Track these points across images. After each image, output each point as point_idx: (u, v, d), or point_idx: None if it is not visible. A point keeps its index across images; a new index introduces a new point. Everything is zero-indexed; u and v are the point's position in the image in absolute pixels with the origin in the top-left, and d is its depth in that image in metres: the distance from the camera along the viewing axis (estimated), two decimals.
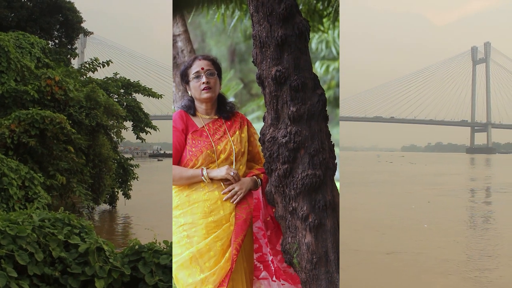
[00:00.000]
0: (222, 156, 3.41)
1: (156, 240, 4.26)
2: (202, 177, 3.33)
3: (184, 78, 3.53)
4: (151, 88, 18.41)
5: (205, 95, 3.45)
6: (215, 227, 3.31)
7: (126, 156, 19.87)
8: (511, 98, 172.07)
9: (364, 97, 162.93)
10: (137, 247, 4.10)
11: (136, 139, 18.15)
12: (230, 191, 3.36)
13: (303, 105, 3.20)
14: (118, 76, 18.02)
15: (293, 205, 3.22)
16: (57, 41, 26.98)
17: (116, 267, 3.88)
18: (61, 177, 10.46)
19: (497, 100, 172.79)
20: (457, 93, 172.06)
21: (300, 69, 3.22)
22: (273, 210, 3.40)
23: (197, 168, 3.37)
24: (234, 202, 3.36)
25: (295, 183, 3.20)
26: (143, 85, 18.21)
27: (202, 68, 3.46)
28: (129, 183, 17.38)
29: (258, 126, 3.53)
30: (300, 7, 4.67)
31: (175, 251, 3.35)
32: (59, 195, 11.49)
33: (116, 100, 16.53)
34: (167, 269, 3.94)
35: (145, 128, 17.71)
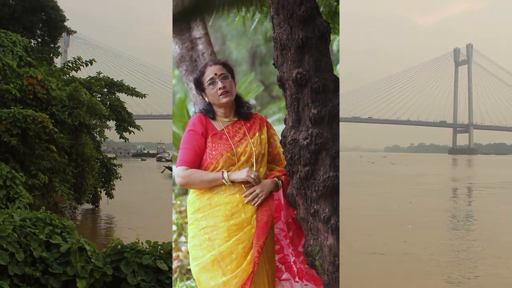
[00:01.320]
0: (243, 159, 3.40)
1: (138, 240, 4.25)
2: (223, 180, 3.32)
3: (199, 87, 3.51)
4: (134, 88, 18.34)
5: (223, 99, 3.43)
6: (236, 229, 3.31)
7: (109, 155, 19.75)
8: (492, 99, 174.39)
9: (347, 98, 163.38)
10: (119, 247, 4.09)
11: (120, 138, 18.07)
12: (251, 193, 3.35)
13: (324, 107, 3.20)
14: (101, 75, 17.87)
15: (315, 207, 3.22)
16: (39, 39, 26.68)
17: (98, 267, 3.87)
18: (43, 176, 10.38)
19: (479, 101, 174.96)
20: (439, 94, 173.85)
21: (321, 71, 3.21)
22: (295, 212, 3.40)
23: (217, 171, 3.36)
24: (256, 205, 3.35)
25: (316, 185, 3.21)
26: (126, 84, 18.10)
27: (216, 74, 3.44)
28: (112, 182, 17.29)
29: (279, 128, 3.51)
30: (321, 9, 4.66)
31: (196, 254, 3.35)
32: (41, 195, 11.40)
33: (99, 99, 16.42)
34: (150, 269, 3.93)
35: (129, 127, 17.61)
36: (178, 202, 5.04)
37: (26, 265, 3.78)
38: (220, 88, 3.41)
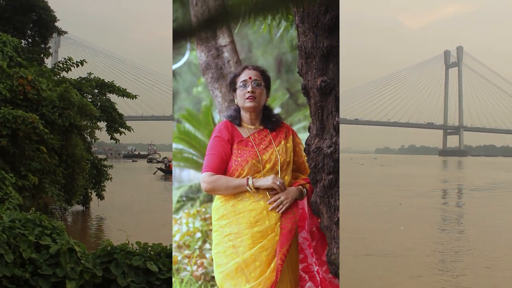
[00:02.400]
0: (268, 166, 3.41)
1: (128, 241, 4.25)
2: (247, 187, 3.34)
3: (231, 86, 3.55)
4: (125, 89, 18.26)
5: (248, 103, 3.45)
6: (260, 237, 3.32)
7: (100, 156, 19.68)
8: (482, 101, 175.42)
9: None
10: (109, 248, 4.09)
11: (110, 139, 17.99)
12: (276, 200, 3.36)
13: None
14: (92, 76, 17.82)
15: (338, 215, 3.24)
16: (30, 40, 26.57)
17: (87, 268, 3.87)
18: (33, 177, 10.34)
19: (469, 103, 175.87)
20: (430, 96, 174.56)
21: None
22: (319, 220, 3.40)
23: (242, 177, 3.38)
24: (280, 212, 3.36)
25: (340, 194, 3.22)
26: (117, 85, 18.05)
27: (250, 78, 3.47)
28: (102, 184, 17.22)
29: (304, 136, 3.53)
30: None
31: (220, 260, 3.36)
32: (31, 196, 11.36)
33: (90, 100, 16.35)
34: (140, 270, 3.93)
35: (119, 128, 17.56)
36: (203, 209, 5.08)
37: (15, 266, 3.77)
38: (248, 92, 3.44)
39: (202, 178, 3.38)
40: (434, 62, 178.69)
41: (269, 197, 3.37)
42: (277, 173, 3.42)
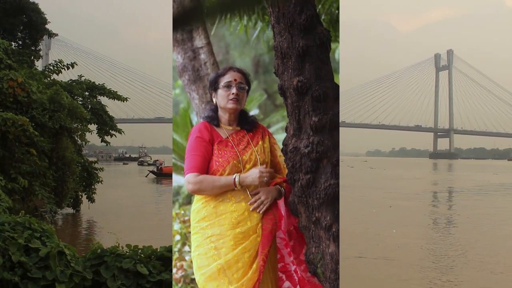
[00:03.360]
0: (248, 166, 3.39)
1: (119, 244, 4.24)
2: (234, 186, 3.31)
3: (213, 85, 3.50)
4: (116, 91, 18.26)
5: (231, 105, 3.42)
6: (242, 238, 3.30)
7: (91, 159, 19.63)
8: (472, 104, 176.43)
9: None
10: (99, 251, 4.08)
11: (101, 142, 17.93)
12: (257, 201, 3.35)
13: (325, 115, 3.21)
14: (83, 78, 17.78)
15: (317, 215, 3.23)
16: (20, 42, 26.46)
17: (77, 271, 3.86)
18: (23, 180, 10.28)
19: (459, 106, 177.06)
20: (420, 99, 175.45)
21: (321, 80, 3.22)
22: (296, 220, 3.40)
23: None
24: (261, 212, 3.35)
25: (318, 193, 3.21)
26: (108, 87, 18.03)
27: (235, 80, 3.44)
28: (93, 186, 17.15)
29: (282, 136, 3.50)
30: (323, 17, 4.69)
31: (202, 262, 3.33)
32: (21, 199, 11.29)
33: (80, 102, 16.32)
34: (130, 273, 3.93)
35: (110, 131, 17.52)
36: (182, 212, 5.04)
37: (5, 269, 3.76)
38: (233, 93, 3.41)
39: (187, 179, 3.33)
40: (425, 65, 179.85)
41: (250, 198, 3.35)
42: None
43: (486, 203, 24.02)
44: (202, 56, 4.55)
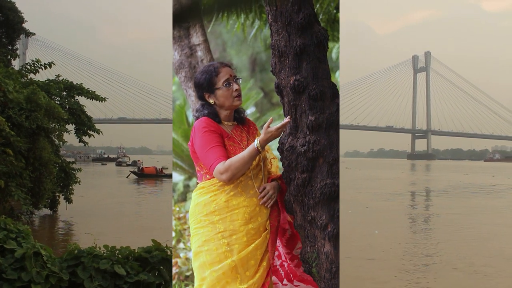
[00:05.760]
0: (254, 163, 3.30)
1: (96, 244, 4.21)
2: (258, 151, 3.16)
3: (211, 87, 3.34)
4: (94, 91, 18.09)
5: (237, 102, 3.34)
6: (255, 234, 3.23)
7: (69, 159, 19.44)
8: (450, 106, 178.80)
9: None
10: (76, 251, 4.05)
11: (79, 142, 17.75)
12: (266, 195, 3.28)
13: (321, 114, 3.22)
14: (60, 78, 17.59)
15: (312, 214, 3.22)
16: None
17: (54, 272, 3.82)
18: None
19: (437, 107, 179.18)
20: (398, 100, 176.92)
21: (318, 78, 3.23)
22: (292, 218, 3.39)
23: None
24: (269, 206, 3.29)
25: (314, 192, 3.20)
26: (86, 87, 17.87)
27: (231, 75, 3.33)
28: (71, 187, 16.99)
29: None
30: (320, 16, 4.69)
31: (212, 259, 3.21)
32: None
33: (58, 102, 16.14)
34: (107, 274, 3.91)
35: (88, 131, 17.35)
36: (177, 209, 5.01)
37: None
38: (236, 90, 3.32)
39: (217, 170, 3.17)
40: (402, 67, 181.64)
41: (258, 192, 3.29)
42: (260, 169, 3.35)
43: (460, 203, 24.36)
44: (199, 53, 4.54)
